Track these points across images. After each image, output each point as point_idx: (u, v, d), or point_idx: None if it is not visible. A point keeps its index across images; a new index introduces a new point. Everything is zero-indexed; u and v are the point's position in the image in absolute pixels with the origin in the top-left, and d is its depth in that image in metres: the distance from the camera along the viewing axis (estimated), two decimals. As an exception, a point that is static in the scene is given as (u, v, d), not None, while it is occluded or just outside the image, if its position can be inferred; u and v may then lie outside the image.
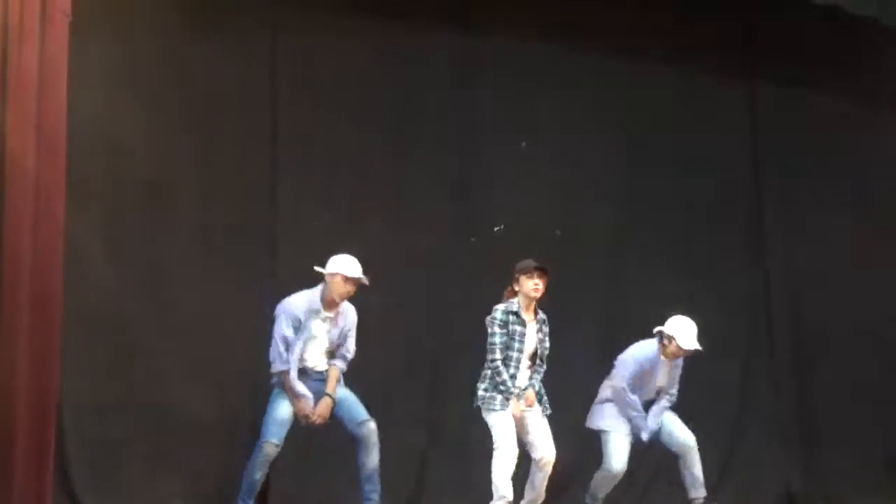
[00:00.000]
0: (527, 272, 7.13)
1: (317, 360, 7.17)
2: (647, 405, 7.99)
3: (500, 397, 7.12)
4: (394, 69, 8.74)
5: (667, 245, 9.50)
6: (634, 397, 7.87)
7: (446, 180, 8.91)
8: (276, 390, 7.12)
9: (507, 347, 7.12)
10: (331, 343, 7.19)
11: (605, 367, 9.10)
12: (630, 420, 7.88)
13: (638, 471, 9.12)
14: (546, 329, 7.31)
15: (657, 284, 9.19)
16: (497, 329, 7.11)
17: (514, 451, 7.13)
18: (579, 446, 8.94)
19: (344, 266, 7.02)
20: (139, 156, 7.65)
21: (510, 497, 7.14)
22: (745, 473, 9.42)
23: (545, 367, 7.40)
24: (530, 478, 7.34)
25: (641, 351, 7.96)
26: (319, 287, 7.11)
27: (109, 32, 7.46)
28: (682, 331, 7.82)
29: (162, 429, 7.62)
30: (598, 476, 7.99)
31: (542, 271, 7.15)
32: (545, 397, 7.42)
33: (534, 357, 7.27)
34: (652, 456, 9.10)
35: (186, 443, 7.71)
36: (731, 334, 9.60)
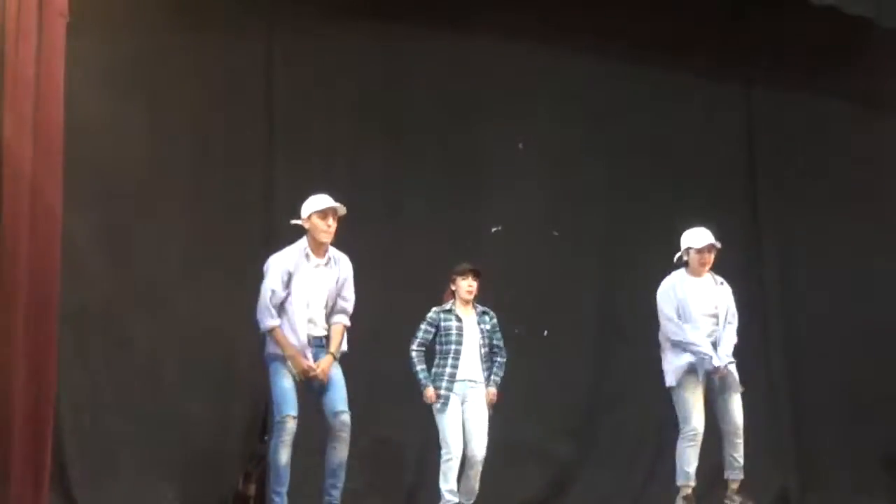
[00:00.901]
0: (462, 274, 7.62)
1: (318, 319, 6.84)
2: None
3: (441, 395, 7.49)
4: (390, 68, 8.75)
5: (662, 246, 9.49)
6: (687, 331, 7.70)
7: (442, 180, 8.92)
8: (272, 363, 6.79)
9: (440, 342, 7.58)
10: (329, 296, 6.86)
11: (600, 369, 9.15)
12: (694, 358, 7.67)
13: (634, 471, 9.19)
14: (490, 320, 7.72)
15: (653, 285, 9.20)
16: (421, 325, 7.61)
17: (460, 449, 7.48)
18: (574, 445, 9.00)
19: (314, 204, 6.78)
20: (136, 154, 7.66)
21: (455, 498, 7.46)
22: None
23: (503, 358, 7.75)
24: (464, 472, 7.55)
25: (665, 281, 7.91)
26: (303, 238, 6.84)
27: (105, 32, 7.46)
28: (692, 235, 7.83)
29: (159, 428, 7.62)
30: (679, 446, 7.77)
31: (475, 273, 7.64)
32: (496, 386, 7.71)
33: (483, 349, 7.65)
34: (646, 457, 9.16)
35: (183, 442, 7.71)
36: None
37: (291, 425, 6.62)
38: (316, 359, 6.78)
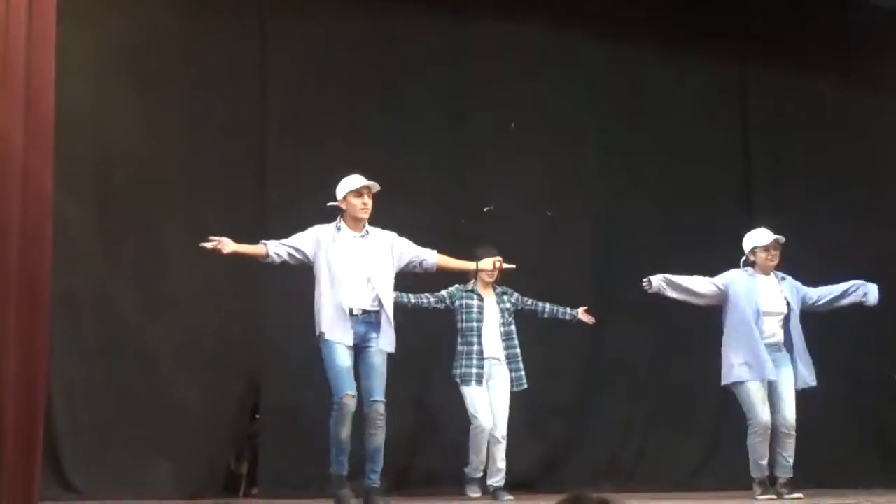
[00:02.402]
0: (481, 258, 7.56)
1: (361, 291, 6.78)
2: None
3: (473, 372, 7.80)
4: (384, 53, 8.71)
5: (657, 225, 9.51)
6: (751, 332, 7.69)
7: (437, 162, 8.90)
8: (323, 342, 6.72)
9: (461, 321, 7.90)
10: (367, 270, 6.80)
11: (593, 348, 9.16)
12: (756, 359, 7.65)
13: (623, 454, 9.22)
14: (509, 298, 8.03)
15: (647, 264, 9.20)
16: (442, 291, 7.90)
17: (490, 421, 7.80)
18: (565, 426, 9.02)
19: (348, 184, 6.91)
20: (128, 140, 7.63)
21: (481, 469, 7.86)
22: (733, 458, 9.44)
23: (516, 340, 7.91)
24: (489, 454, 7.86)
25: (729, 277, 7.90)
26: (339, 217, 6.94)
27: (97, 15, 7.42)
28: (756, 235, 7.89)
29: (152, 414, 7.62)
30: (749, 440, 7.74)
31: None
32: (521, 372, 7.92)
33: (503, 328, 7.95)
34: (635, 439, 9.18)
35: (175, 422, 7.71)
36: (719, 316, 9.60)
37: (350, 403, 6.64)
38: (361, 336, 6.76)
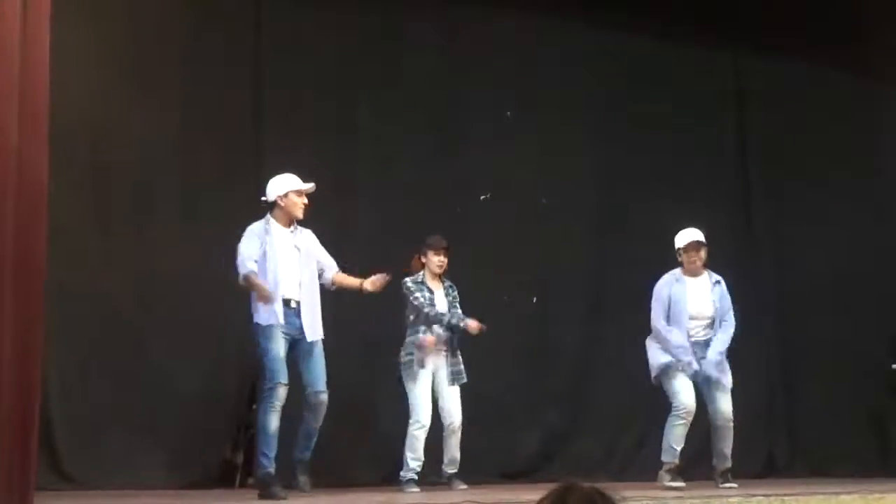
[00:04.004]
0: (435, 249, 7.65)
1: (291, 283, 7.00)
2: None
3: (416, 364, 7.53)
4: (379, 43, 8.69)
5: (654, 214, 9.49)
6: (674, 332, 7.81)
7: (432, 151, 8.88)
8: (260, 329, 6.92)
9: (412, 313, 7.62)
10: (300, 264, 7.05)
11: (588, 337, 9.16)
12: (682, 355, 7.77)
13: (622, 439, 9.22)
14: (454, 293, 7.77)
15: (643, 253, 9.22)
16: (416, 293, 7.61)
17: (428, 418, 7.55)
18: (562, 413, 9.03)
19: (291, 182, 7.06)
20: (123, 129, 7.61)
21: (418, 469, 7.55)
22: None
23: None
24: (444, 443, 7.64)
25: (661, 279, 7.97)
26: (266, 215, 7.07)
27: (93, 8, 7.39)
28: (680, 236, 7.91)
29: (148, 404, 7.62)
30: (669, 423, 7.83)
31: (447, 250, 7.66)
32: (461, 367, 7.68)
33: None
34: (635, 425, 9.18)
35: (171, 411, 7.71)
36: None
37: (282, 392, 6.82)
38: (296, 327, 6.97)
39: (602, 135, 9.49)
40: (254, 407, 8.12)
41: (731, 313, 7.98)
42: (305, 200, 7.07)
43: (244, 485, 8.04)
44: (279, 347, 6.85)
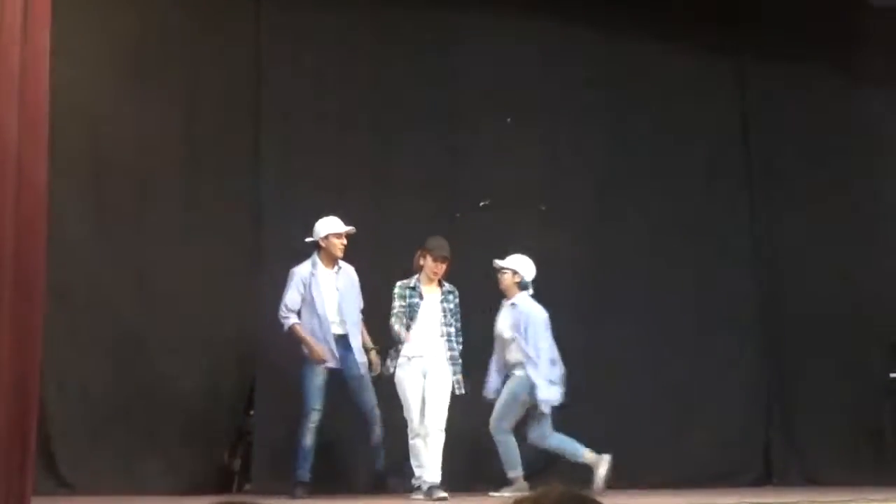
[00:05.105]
0: (433, 255, 7.55)
1: (336, 319, 7.74)
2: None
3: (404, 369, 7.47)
4: (378, 45, 8.69)
5: (653, 222, 9.49)
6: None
7: (431, 155, 8.87)
8: (304, 363, 7.64)
9: (405, 317, 7.53)
10: (345, 300, 7.77)
11: (589, 342, 9.15)
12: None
13: (621, 445, 9.18)
14: (453, 299, 7.59)
15: (643, 266, 9.24)
16: (395, 301, 7.57)
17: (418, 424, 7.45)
18: (562, 419, 8.99)
19: (331, 226, 7.71)
20: (123, 132, 7.60)
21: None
22: (727, 452, 9.46)
23: (461, 340, 7.54)
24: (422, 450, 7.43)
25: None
26: (314, 254, 7.72)
27: (93, 7, 7.39)
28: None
29: (146, 409, 7.61)
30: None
31: (447, 260, 7.57)
32: (459, 376, 7.50)
33: (445, 328, 7.52)
34: (634, 431, 9.16)
35: (170, 423, 7.71)
36: (714, 313, 9.62)
37: (316, 417, 7.61)
38: (341, 356, 7.73)
39: (602, 140, 9.48)
40: (251, 413, 8.12)
41: None
42: (344, 241, 7.73)
43: (241, 490, 8.01)
44: (318, 377, 7.63)
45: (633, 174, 9.54)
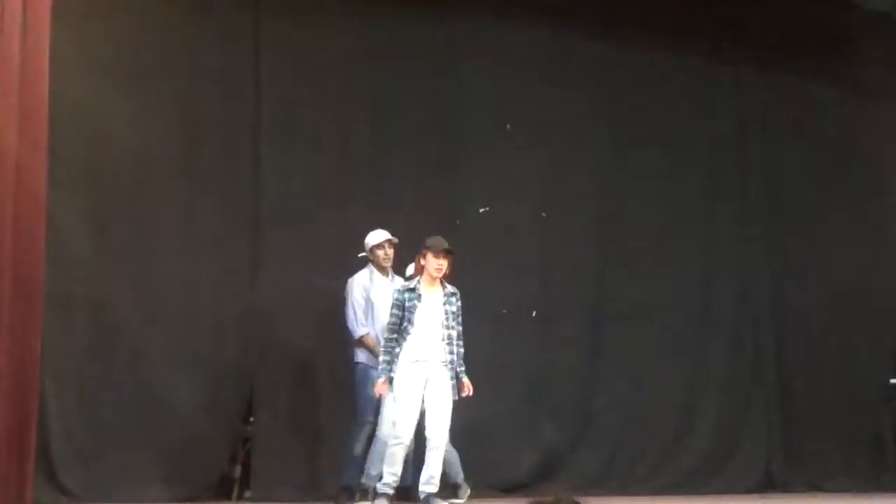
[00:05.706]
0: (435, 251, 7.18)
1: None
2: None
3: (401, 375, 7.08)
4: (377, 52, 8.69)
5: (653, 229, 9.50)
6: None
7: (430, 163, 8.87)
8: (359, 368, 7.61)
9: (400, 322, 7.14)
10: None
11: (590, 352, 9.16)
12: None
13: (620, 454, 9.20)
14: (456, 302, 7.22)
15: (643, 271, 9.24)
16: (392, 310, 7.20)
17: (409, 436, 7.10)
18: (563, 431, 8.99)
19: (375, 238, 7.81)
20: (122, 139, 7.60)
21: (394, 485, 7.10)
22: (728, 458, 9.46)
23: (461, 343, 7.19)
24: (425, 455, 7.11)
25: None
26: (368, 263, 7.83)
27: (92, 12, 7.39)
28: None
29: (145, 416, 7.58)
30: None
31: (448, 252, 7.19)
32: (462, 379, 7.16)
33: (447, 331, 7.15)
34: (634, 440, 9.16)
35: (169, 424, 7.67)
36: (715, 319, 9.63)
37: (369, 429, 7.54)
38: None
39: (602, 147, 9.49)
40: (251, 420, 8.11)
41: None
42: (389, 251, 7.81)
43: (241, 498, 8.01)
44: (371, 387, 7.38)
45: (632, 182, 9.55)
